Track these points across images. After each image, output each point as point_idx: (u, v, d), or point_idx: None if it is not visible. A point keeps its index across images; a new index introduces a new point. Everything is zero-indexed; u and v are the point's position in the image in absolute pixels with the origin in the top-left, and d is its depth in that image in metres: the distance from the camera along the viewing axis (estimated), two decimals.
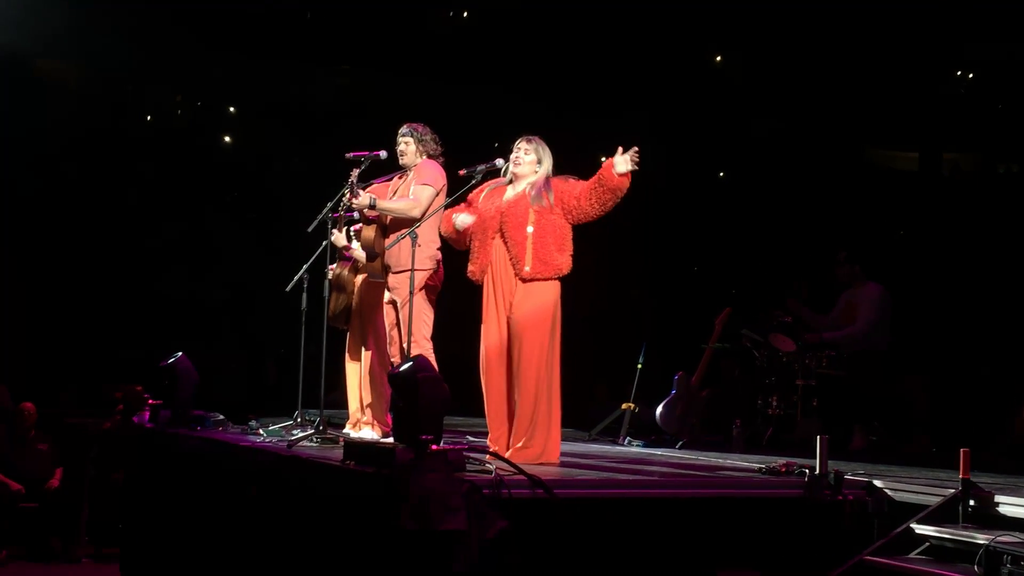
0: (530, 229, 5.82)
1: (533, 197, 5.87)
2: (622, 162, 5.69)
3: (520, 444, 5.72)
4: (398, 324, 6.49)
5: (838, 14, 9.85)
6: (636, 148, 5.67)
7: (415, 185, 6.47)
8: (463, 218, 6.05)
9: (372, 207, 6.46)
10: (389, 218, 6.56)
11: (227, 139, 12.58)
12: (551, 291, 5.86)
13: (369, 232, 6.60)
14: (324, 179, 7.27)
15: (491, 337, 5.90)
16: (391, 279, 6.51)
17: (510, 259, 5.85)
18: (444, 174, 6.54)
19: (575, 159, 6.31)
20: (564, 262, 5.87)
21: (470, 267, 6.01)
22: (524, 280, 5.82)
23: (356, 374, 7.20)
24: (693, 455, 7.19)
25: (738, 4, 10.10)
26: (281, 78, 11.70)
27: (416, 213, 6.34)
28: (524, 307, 5.81)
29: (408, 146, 6.67)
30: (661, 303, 11.48)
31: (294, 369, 7.27)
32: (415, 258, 6.08)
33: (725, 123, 11.41)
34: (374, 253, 6.58)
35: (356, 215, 6.82)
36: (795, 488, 5.26)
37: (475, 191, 6.14)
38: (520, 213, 5.86)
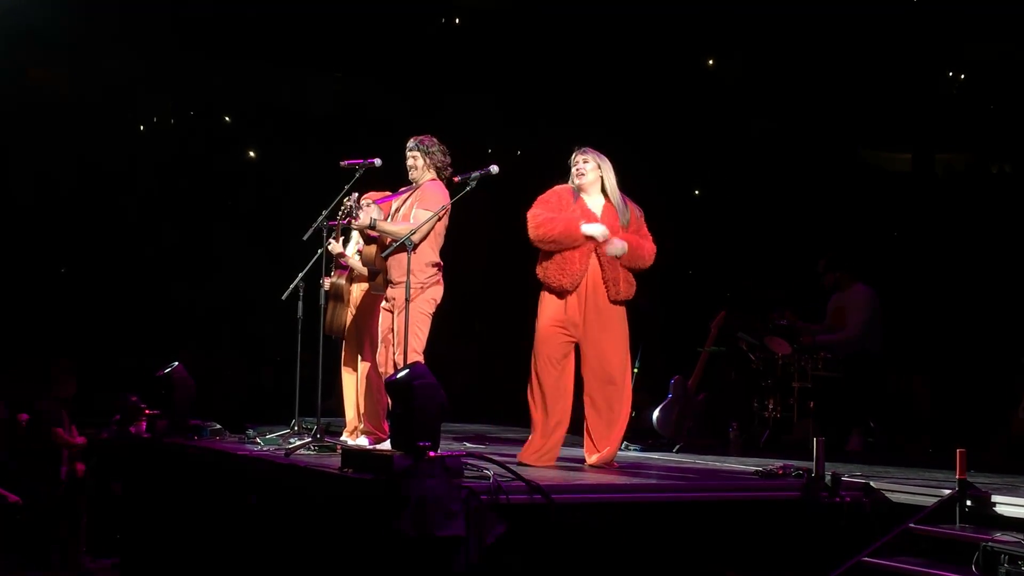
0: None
1: (622, 213, 6.06)
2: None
3: (604, 447, 6.06)
4: (393, 330, 6.48)
5: (831, 16, 9.86)
6: None
7: (417, 209, 6.44)
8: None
9: (372, 227, 6.46)
10: (388, 238, 6.56)
11: (225, 147, 12.56)
12: (624, 309, 6.15)
13: (370, 250, 6.66)
14: (322, 186, 7.26)
15: (560, 345, 6.03)
16: (390, 291, 6.50)
17: (603, 279, 6.00)
18: (448, 195, 6.48)
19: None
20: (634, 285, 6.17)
21: (560, 279, 6.00)
22: (614, 302, 6.04)
23: (353, 383, 7.21)
24: (690, 459, 7.20)
25: (732, 7, 10.11)
26: (277, 85, 11.70)
27: (416, 238, 6.33)
28: (607, 324, 6.05)
29: (416, 160, 6.64)
30: (657, 307, 11.47)
31: (291, 377, 7.27)
32: (412, 268, 6.08)
33: (719, 125, 11.42)
34: (375, 270, 6.63)
35: (352, 223, 6.82)
36: (792, 490, 5.29)
37: (548, 194, 6.15)
38: (616, 235, 6.01)
